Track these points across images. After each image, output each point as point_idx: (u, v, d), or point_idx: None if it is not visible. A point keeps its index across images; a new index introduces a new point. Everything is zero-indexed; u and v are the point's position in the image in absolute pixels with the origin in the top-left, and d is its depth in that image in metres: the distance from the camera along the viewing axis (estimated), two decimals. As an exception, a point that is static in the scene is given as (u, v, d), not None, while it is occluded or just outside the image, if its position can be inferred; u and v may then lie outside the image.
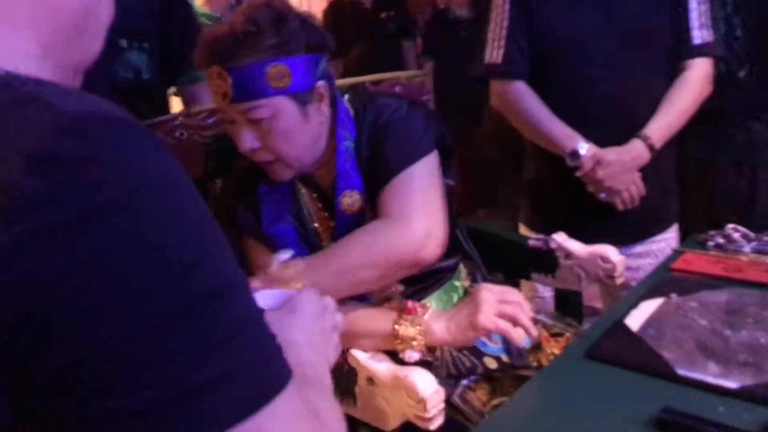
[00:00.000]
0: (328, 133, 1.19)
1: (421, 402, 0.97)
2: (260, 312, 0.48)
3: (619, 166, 1.55)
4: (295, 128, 1.11)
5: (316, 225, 1.23)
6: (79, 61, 0.54)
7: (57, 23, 0.50)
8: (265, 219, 1.17)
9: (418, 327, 1.07)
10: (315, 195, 1.24)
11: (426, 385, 0.98)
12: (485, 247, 1.46)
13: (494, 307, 1.03)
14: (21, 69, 0.46)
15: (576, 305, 1.44)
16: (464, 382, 1.16)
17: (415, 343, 1.07)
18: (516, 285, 1.51)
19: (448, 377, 1.16)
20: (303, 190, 1.24)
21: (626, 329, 1.05)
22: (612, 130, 1.59)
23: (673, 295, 1.14)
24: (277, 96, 1.07)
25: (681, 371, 0.92)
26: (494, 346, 1.22)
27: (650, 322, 1.06)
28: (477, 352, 1.20)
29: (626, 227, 1.64)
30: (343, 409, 1.08)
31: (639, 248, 1.68)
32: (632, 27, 1.57)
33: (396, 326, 1.07)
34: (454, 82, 3.14)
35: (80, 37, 0.53)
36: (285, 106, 1.09)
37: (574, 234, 1.39)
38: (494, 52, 1.62)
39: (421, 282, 1.26)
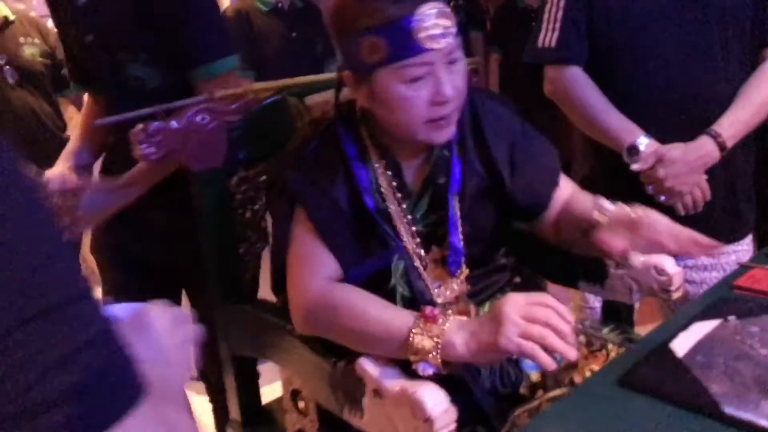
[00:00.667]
0: None
1: (428, 422, 0.87)
2: (109, 324, 0.44)
3: (684, 166, 1.39)
4: (466, 70, 1.05)
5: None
6: None
7: None
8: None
9: (435, 339, 0.94)
10: (391, 174, 1.12)
11: (435, 402, 0.88)
12: (530, 253, 1.34)
13: (519, 325, 0.88)
14: None
15: (626, 320, 1.31)
16: (512, 414, 1.03)
17: (430, 356, 0.94)
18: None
19: (490, 392, 1.06)
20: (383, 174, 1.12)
21: (670, 354, 0.92)
22: (678, 125, 1.43)
23: (732, 318, 1.00)
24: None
25: (729, 410, 0.79)
26: (529, 362, 1.11)
27: (700, 348, 0.93)
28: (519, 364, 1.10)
29: None
30: (350, 421, 1.03)
31: (704, 260, 1.51)
32: (706, 8, 1.41)
33: (411, 336, 0.97)
34: (522, 75, 2.99)
35: None
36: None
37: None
38: (548, 35, 1.49)
39: (485, 279, 1.17)
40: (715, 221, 1.51)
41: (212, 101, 1.25)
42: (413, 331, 0.95)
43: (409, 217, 1.11)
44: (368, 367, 0.98)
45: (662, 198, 1.43)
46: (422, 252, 1.12)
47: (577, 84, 1.47)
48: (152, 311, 0.69)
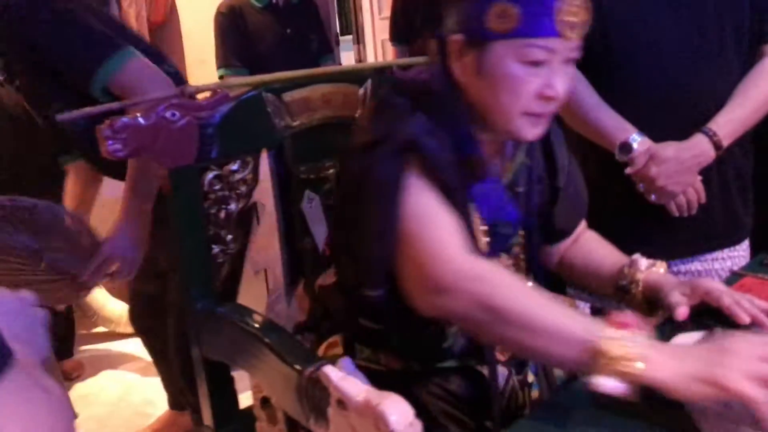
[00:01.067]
0: None
1: (391, 436, 0.83)
2: None
3: (677, 164, 1.34)
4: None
5: None
6: None
7: None
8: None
9: (640, 350, 0.77)
10: None
11: (399, 415, 0.84)
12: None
13: (750, 364, 0.74)
14: None
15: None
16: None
17: (627, 369, 0.77)
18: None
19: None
20: None
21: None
22: (673, 123, 1.38)
23: (718, 329, 0.94)
24: None
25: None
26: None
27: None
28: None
29: (682, 239, 1.43)
30: None
31: (697, 265, 1.46)
32: (703, 3, 1.36)
33: (600, 340, 0.78)
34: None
35: None
36: None
37: (617, 241, 1.21)
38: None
39: None
40: (710, 224, 1.46)
41: (183, 97, 1.21)
42: (605, 333, 0.79)
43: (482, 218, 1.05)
44: (333, 375, 0.93)
45: (653, 197, 1.38)
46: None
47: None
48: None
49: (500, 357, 1.09)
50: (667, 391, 0.75)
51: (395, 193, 0.92)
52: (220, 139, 1.23)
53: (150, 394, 2.58)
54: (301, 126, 1.31)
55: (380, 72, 1.49)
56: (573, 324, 0.81)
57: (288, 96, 1.30)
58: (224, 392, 1.31)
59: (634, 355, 0.76)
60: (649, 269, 1.09)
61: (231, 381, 1.32)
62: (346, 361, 0.94)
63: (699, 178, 1.37)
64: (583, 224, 1.25)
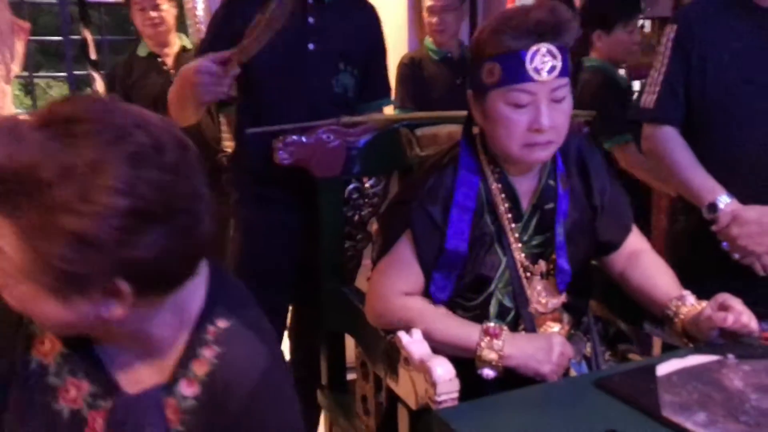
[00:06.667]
0: None
1: (434, 386, 1.09)
2: None
3: (758, 226, 1.46)
4: (570, 111, 1.25)
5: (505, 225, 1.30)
6: None
7: None
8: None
9: (497, 354, 1.19)
10: (504, 197, 1.30)
11: (442, 372, 1.10)
12: (602, 288, 1.50)
13: (558, 359, 1.20)
14: None
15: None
16: None
17: (494, 365, 1.20)
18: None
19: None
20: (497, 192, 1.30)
21: (651, 371, 1.05)
22: (762, 189, 1.49)
23: (731, 356, 1.09)
24: (568, 78, 1.23)
25: (666, 413, 0.92)
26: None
27: (680, 372, 1.04)
28: None
29: None
30: (390, 386, 1.27)
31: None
32: None
33: (478, 349, 1.20)
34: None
35: None
36: (569, 88, 1.24)
37: (706, 296, 1.27)
38: (649, 97, 1.63)
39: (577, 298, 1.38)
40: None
41: (339, 125, 1.58)
42: (480, 345, 1.21)
43: (517, 235, 1.31)
44: (404, 339, 1.22)
45: (735, 255, 1.50)
46: (530, 265, 1.31)
47: (669, 142, 1.59)
48: None
49: None
50: (518, 371, 1.19)
51: (390, 241, 1.31)
52: (362, 160, 1.58)
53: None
54: (428, 156, 1.62)
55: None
56: (463, 336, 1.23)
57: (420, 131, 1.62)
58: (338, 358, 1.64)
59: (495, 359, 1.19)
60: (695, 306, 1.25)
61: (344, 349, 1.65)
62: (416, 330, 1.22)
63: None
64: (640, 243, 1.41)
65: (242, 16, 1.56)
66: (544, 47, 1.18)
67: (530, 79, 1.18)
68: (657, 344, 1.56)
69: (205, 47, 1.69)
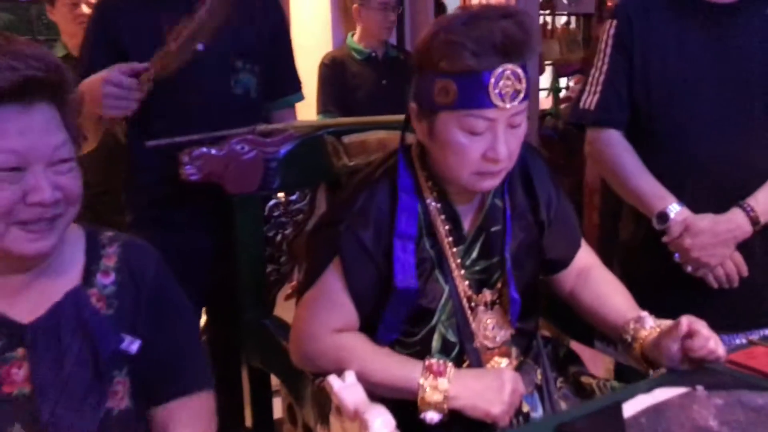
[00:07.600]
0: None
1: (373, 441, 0.94)
2: None
3: (711, 237, 1.36)
4: (524, 134, 1.11)
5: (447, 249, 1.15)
6: None
7: None
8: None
9: (443, 394, 1.04)
10: (444, 218, 1.15)
11: (380, 425, 0.95)
12: (551, 307, 1.37)
13: (510, 397, 1.05)
14: None
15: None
16: None
17: (439, 408, 1.04)
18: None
19: None
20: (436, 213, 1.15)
21: (617, 412, 0.93)
22: (714, 195, 1.40)
23: (700, 388, 0.98)
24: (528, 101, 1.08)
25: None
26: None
27: (648, 412, 0.93)
28: None
29: (724, 312, 1.40)
30: None
31: (743, 340, 1.44)
32: (747, 75, 1.39)
33: (421, 390, 1.05)
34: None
35: None
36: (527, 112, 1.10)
37: (662, 311, 1.19)
38: (590, 98, 1.52)
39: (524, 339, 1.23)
40: (755, 299, 1.45)
41: (255, 133, 1.40)
42: (423, 385, 1.05)
43: (459, 260, 1.16)
44: (335, 385, 1.05)
45: (688, 268, 1.40)
46: (473, 295, 1.16)
47: (613, 147, 1.48)
48: None
49: None
50: (465, 412, 1.04)
51: (317, 270, 1.13)
52: (283, 172, 1.41)
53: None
54: (357, 166, 1.46)
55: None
56: (403, 375, 1.07)
57: (347, 138, 1.46)
58: (263, 398, 1.46)
59: (440, 400, 1.04)
60: (654, 328, 1.13)
61: (269, 388, 1.48)
62: (349, 373, 1.06)
63: (733, 251, 1.38)
64: (590, 258, 1.29)
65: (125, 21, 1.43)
66: (509, 69, 1.02)
67: (491, 105, 1.03)
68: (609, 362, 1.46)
69: (86, 60, 1.50)
